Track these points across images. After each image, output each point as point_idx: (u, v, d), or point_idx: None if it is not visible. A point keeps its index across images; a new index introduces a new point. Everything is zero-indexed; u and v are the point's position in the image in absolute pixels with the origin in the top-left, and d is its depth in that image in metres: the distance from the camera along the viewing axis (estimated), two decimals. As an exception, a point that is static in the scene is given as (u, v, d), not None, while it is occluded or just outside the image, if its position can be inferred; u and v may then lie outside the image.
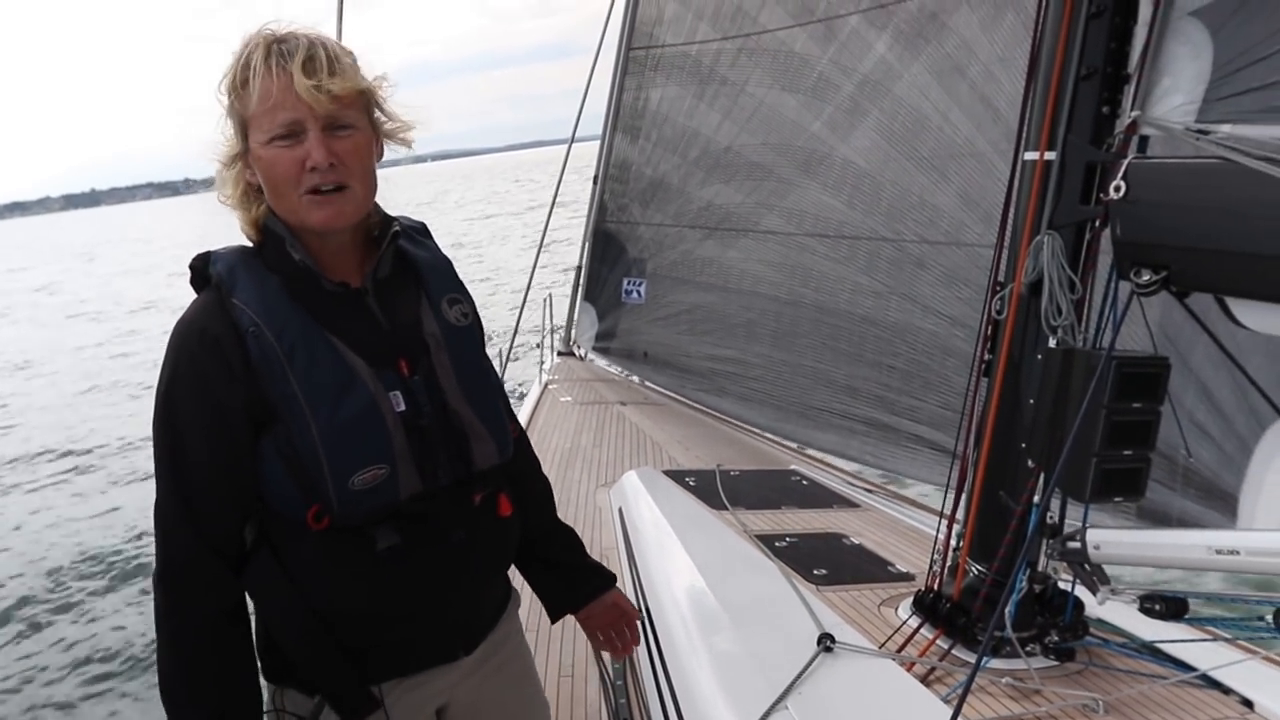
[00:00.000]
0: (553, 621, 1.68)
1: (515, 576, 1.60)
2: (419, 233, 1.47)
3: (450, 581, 1.36)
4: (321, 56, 1.21)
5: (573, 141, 6.88)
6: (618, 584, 1.69)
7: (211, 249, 1.32)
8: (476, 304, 1.47)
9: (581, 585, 1.67)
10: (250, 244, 1.33)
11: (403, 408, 1.29)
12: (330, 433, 1.23)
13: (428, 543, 1.33)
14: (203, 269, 1.30)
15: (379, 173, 1.34)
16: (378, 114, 1.32)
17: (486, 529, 1.41)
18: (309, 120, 1.21)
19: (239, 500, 1.27)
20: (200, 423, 1.23)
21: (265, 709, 1.33)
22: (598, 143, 6.60)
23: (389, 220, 1.38)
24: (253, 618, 1.33)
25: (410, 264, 1.41)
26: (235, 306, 1.24)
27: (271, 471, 1.25)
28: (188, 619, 1.25)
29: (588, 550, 1.70)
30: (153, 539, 1.27)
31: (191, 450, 1.23)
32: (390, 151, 1.36)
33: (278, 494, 1.26)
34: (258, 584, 1.29)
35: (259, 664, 1.35)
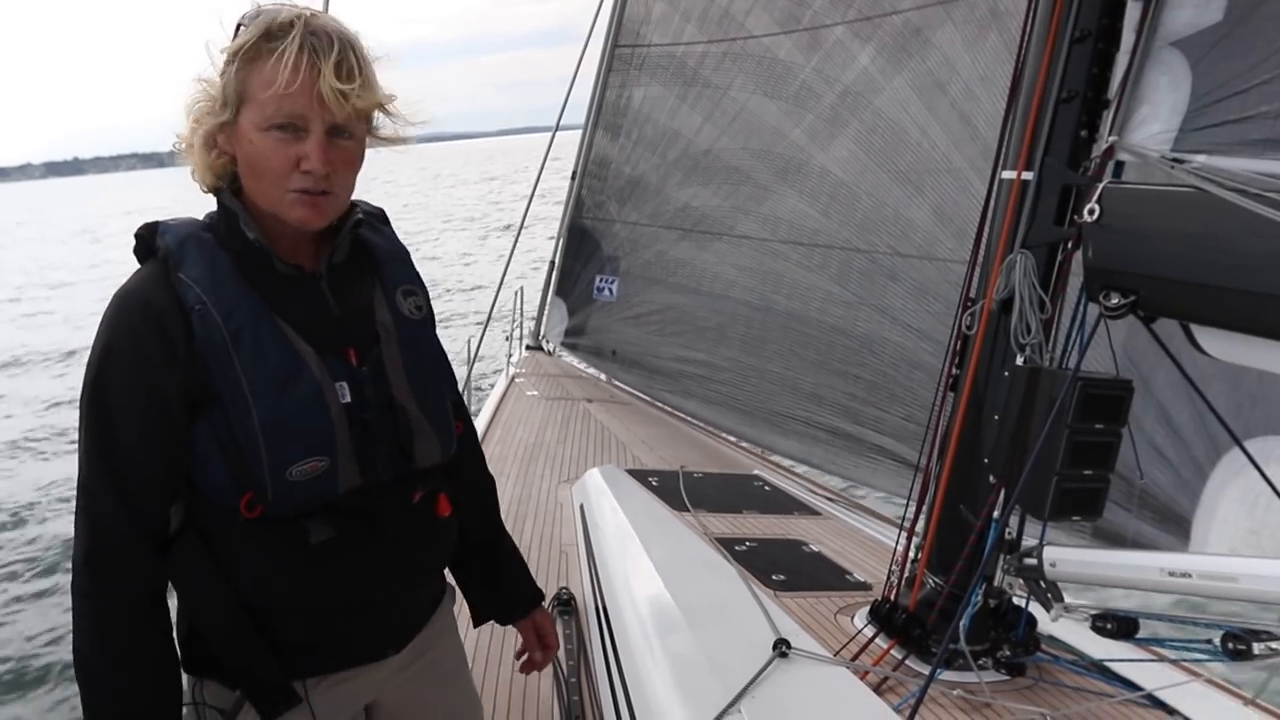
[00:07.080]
0: (475, 625, 1.65)
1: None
2: (378, 219, 1.44)
3: (383, 579, 1.32)
4: (352, 62, 1.17)
5: (556, 132, 6.82)
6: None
7: (160, 219, 1.26)
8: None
9: (514, 609, 1.66)
10: (201, 218, 1.27)
11: (348, 399, 1.25)
12: (272, 422, 1.18)
13: (362, 539, 1.28)
14: (149, 239, 1.23)
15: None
16: (379, 117, 1.28)
17: (424, 528, 1.38)
18: (316, 121, 1.17)
19: (169, 483, 1.20)
20: (133, 403, 1.17)
21: (184, 700, 1.28)
22: (579, 133, 6.58)
23: (351, 205, 1.33)
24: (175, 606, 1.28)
25: (367, 251, 1.37)
26: (181, 282, 1.18)
27: (205, 456, 1.19)
28: (114, 602, 1.19)
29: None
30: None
31: (122, 431, 1.17)
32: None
33: (210, 479, 1.21)
34: (181, 569, 1.24)
35: (179, 654, 1.30)
